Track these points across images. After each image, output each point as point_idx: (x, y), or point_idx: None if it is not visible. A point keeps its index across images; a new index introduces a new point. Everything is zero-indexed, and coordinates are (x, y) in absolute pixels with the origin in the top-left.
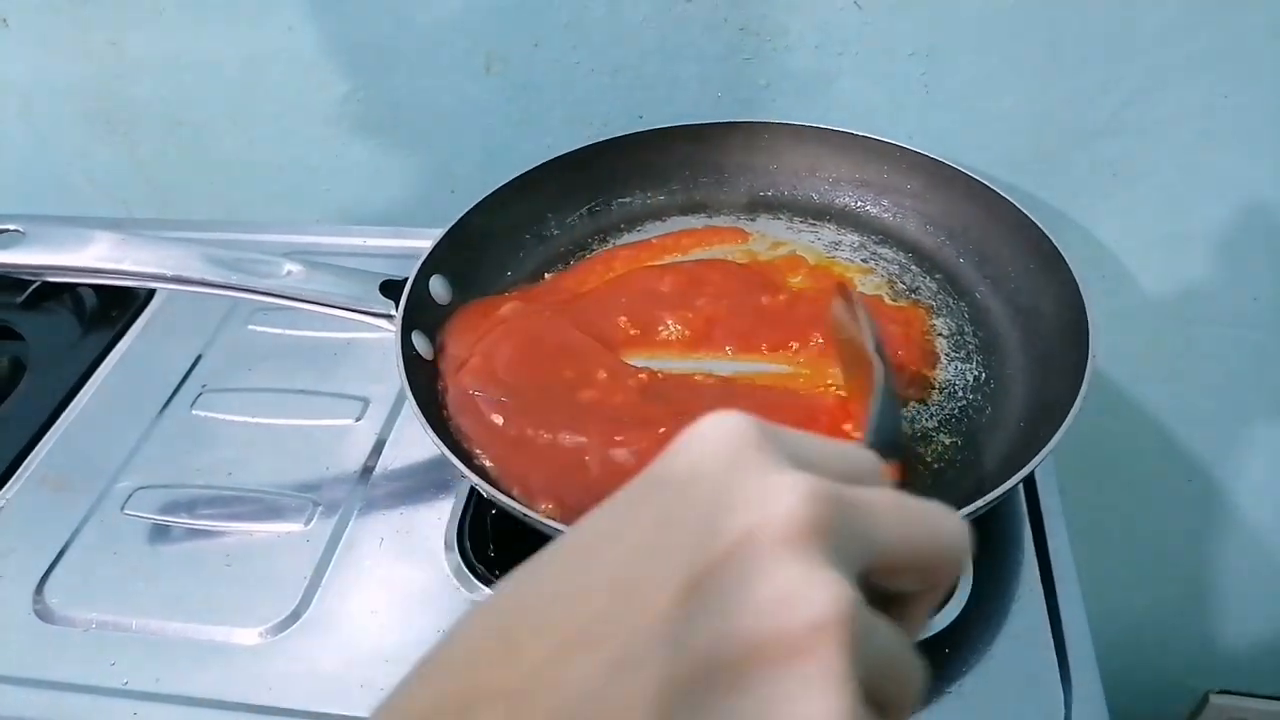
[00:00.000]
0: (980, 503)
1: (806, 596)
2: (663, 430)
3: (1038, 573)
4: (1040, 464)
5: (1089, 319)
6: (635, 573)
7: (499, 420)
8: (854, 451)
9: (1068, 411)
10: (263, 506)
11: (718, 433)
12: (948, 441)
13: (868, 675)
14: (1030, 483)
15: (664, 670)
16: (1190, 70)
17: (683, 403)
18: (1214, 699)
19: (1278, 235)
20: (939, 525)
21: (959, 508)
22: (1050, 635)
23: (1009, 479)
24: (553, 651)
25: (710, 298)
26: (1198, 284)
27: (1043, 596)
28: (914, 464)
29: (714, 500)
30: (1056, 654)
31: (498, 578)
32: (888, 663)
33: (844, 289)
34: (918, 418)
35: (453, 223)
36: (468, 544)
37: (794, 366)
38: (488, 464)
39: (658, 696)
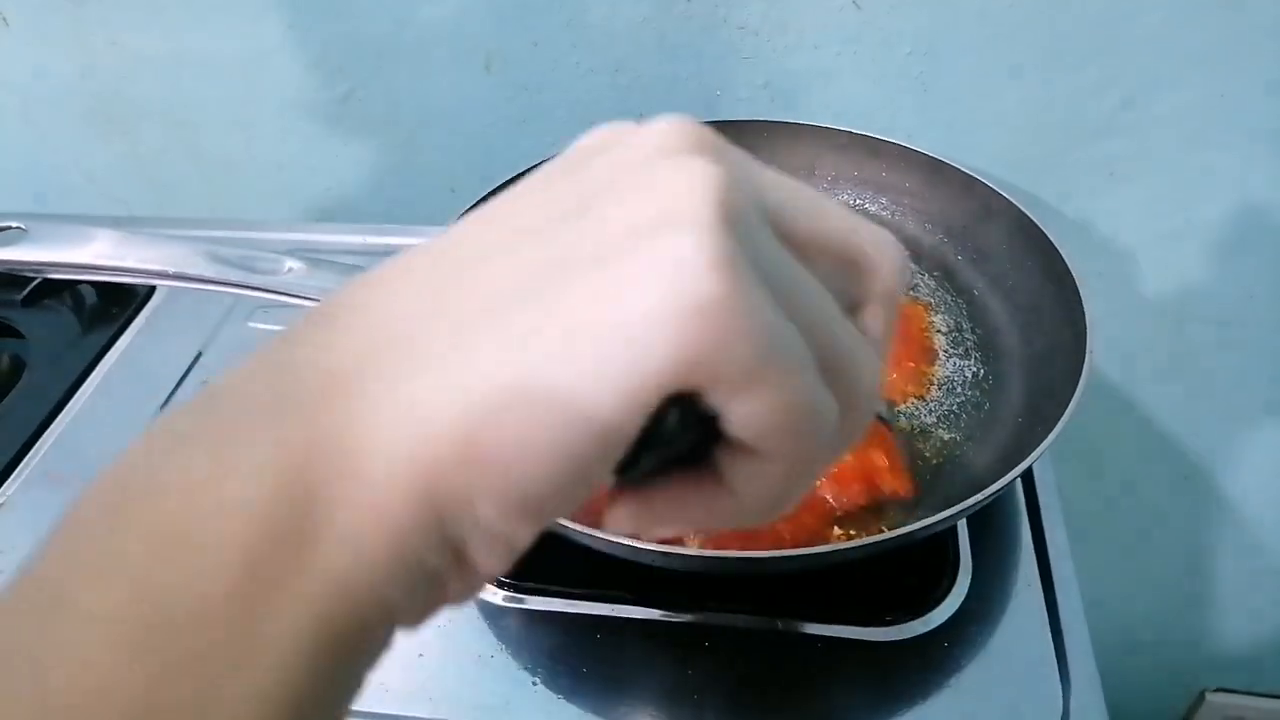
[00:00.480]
0: (979, 497)
1: (688, 172)
2: None
3: (1036, 568)
4: (1038, 459)
5: (1086, 316)
6: (499, 214)
7: None
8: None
9: (1065, 407)
10: None
11: (600, 130)
12: (946, 437)
13: (774, 290)
14: (1028, 478)
15: (501, 260)
16: (1187, 70)
17: None
18: (1210, 696)
19: (1274, 234)
20: (851, 220)
21: (958, 503)
22: (1048, 630)
23: (1007, 474)
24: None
25: None
26: (1194, 282)
27: (1041, 591)
28: (913, 459)
29: (618, 145)
30: (1054, 649)
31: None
32: (792, 289)
33: None
34: (916, 413)
35: (452, 220)
36: None
37: None
38: None
39: (504, 273)
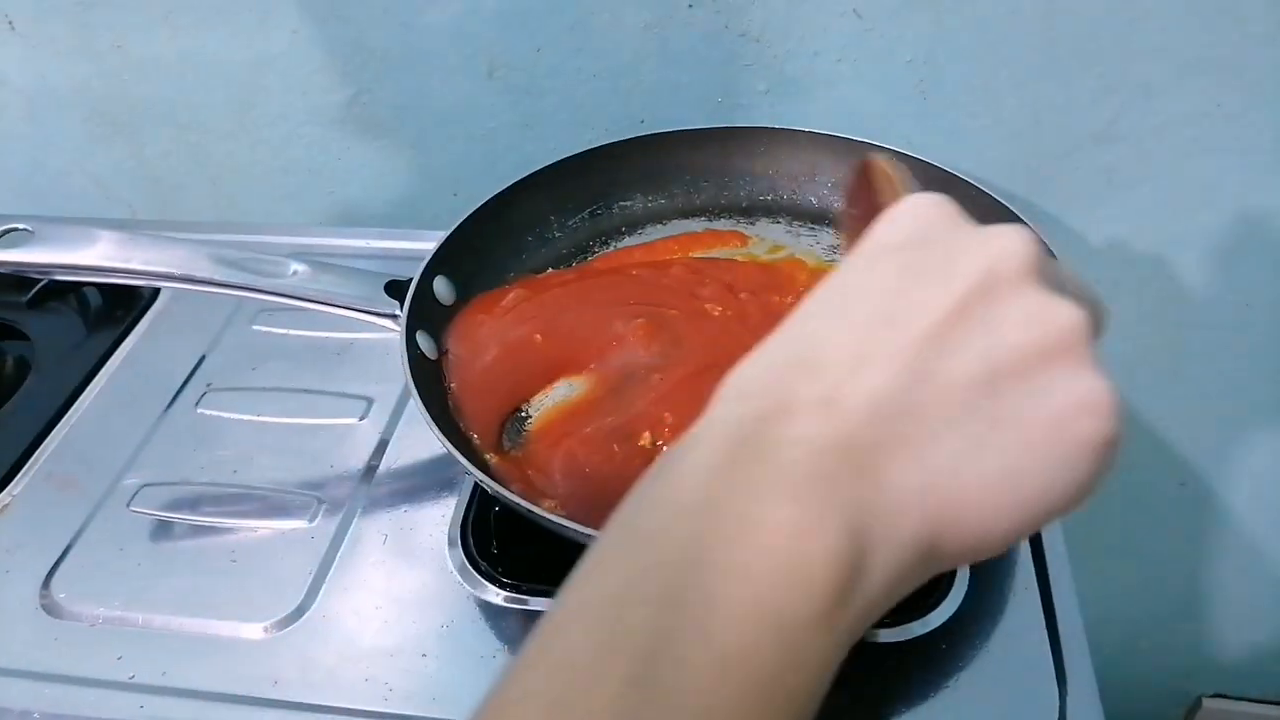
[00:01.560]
0: None
1: (1057, 310)
2: (670, 419)
3: (1033, 572)
4: None
5: None
6: (897, 308)
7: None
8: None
9: None
10: (267, 504)
11: (929, 206)
12: None
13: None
14: None
15: (956, 369)
16: (1184, 78)
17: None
18: (1207, 703)
19: (1270, 241)
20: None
21: None
22: (1046, 634)
23: None
24: (846, 369)
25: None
26: (1191, 289)
27: (1038, 595)
28: None
29: (947, 251)
30: (1052, 652)
31: (501, 575)
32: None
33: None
34: None
35: (456, 224)
36: (471, 541)
37: None
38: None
39: (957, 386)
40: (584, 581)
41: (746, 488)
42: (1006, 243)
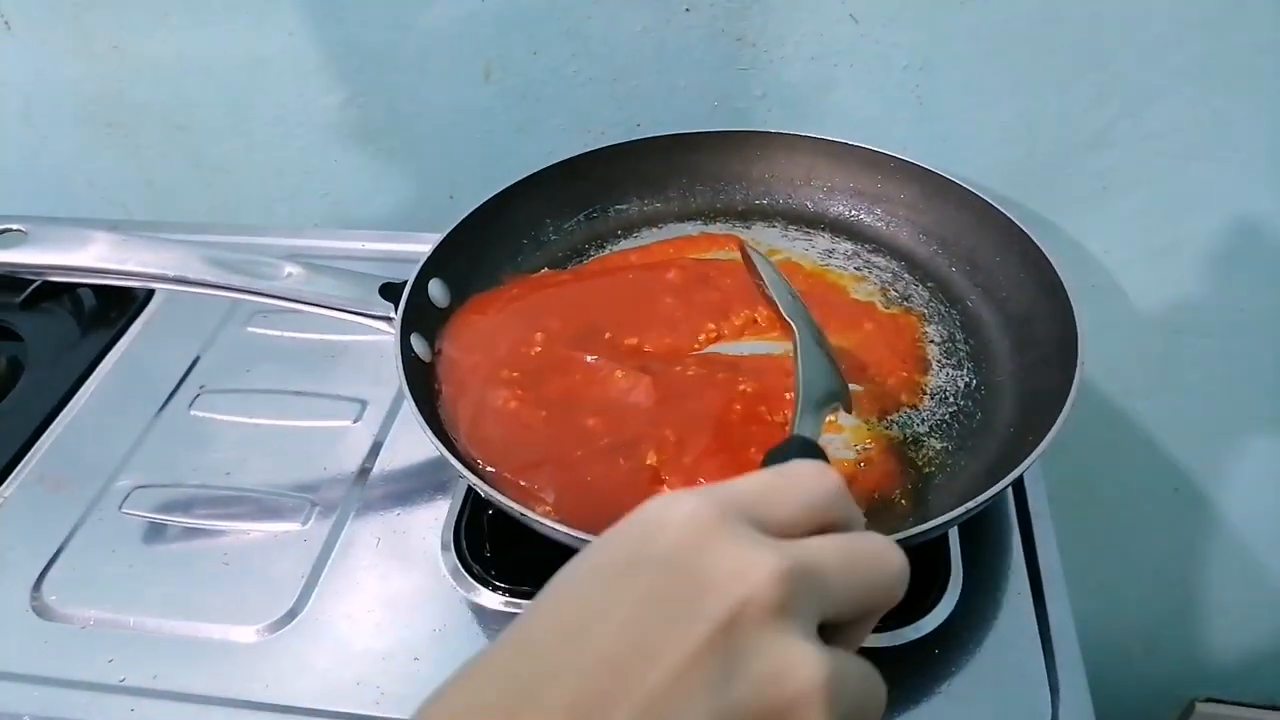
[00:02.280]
0: (969, 506)
1: (794, 669)
2: (669, 435)
3: (1026, 577)
4: (1029, 469)
5: (1078, 327)
6: (628, 652)
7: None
8: (797, 487)
9: (1056, 418)
10: (260, 506)
11: (680, 515)
12: (938, 446)
13: (847, 711)
14: (1019, 488)
15: None
16: (1179, 85)
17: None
18: (1200, 707)
19: (1265, 247)
20: (881, 566)
21: (949, 511)
22: (1038, 638)
23: (998, 483)
24: None
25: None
26: (1186, 295)
27: (1031, 600)
28: (905, 468)
29: (695, 582)
30: (1044, 657)
31: (493, 578)
32: (859, 697)
33: (743, 251)
34: (909, 422)
35: (451, 227)
36: (464, 544)
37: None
38: (485, 465)
39: None
40: None
41: None
42: (758, 578)
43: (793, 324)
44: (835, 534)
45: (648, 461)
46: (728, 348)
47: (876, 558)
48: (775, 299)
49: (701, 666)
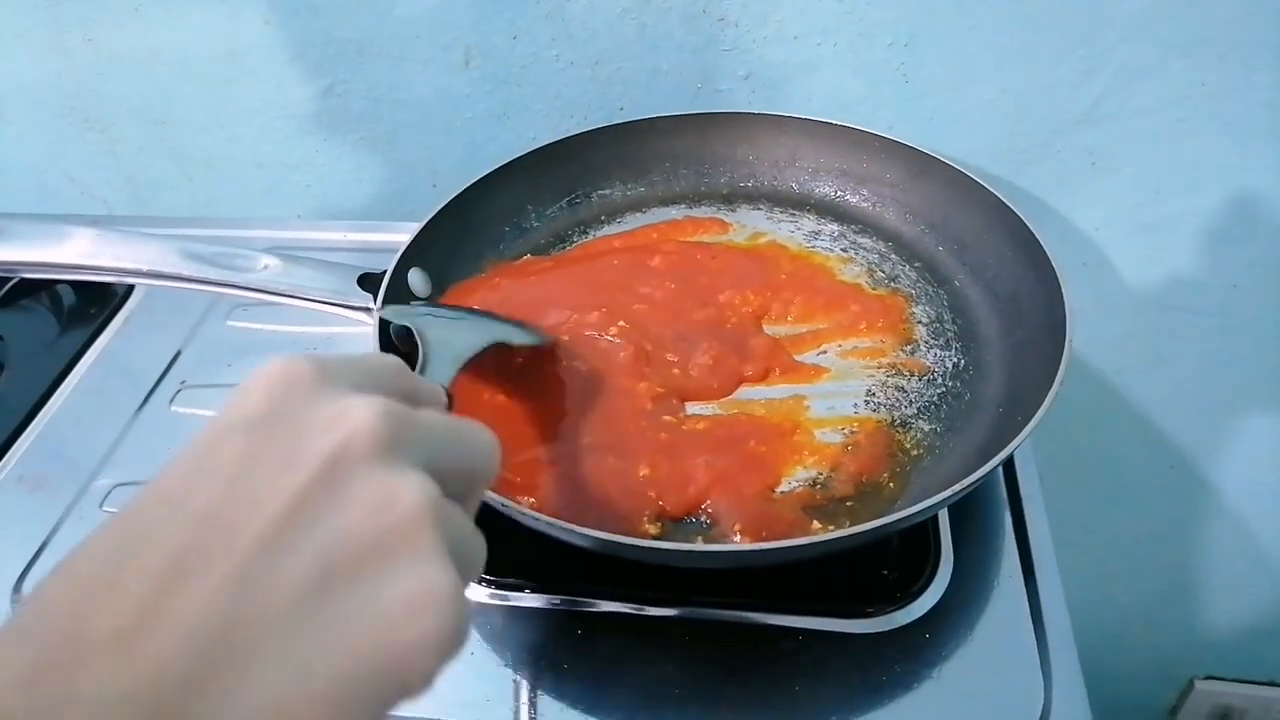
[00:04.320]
0: (958, 487)
1: (401, 493)
2: (664, 437)
3: (1018, 559)
4: (1019, 449)
5: (1066, 305)
6: (230, 507)
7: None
8: (389, 364)
9: (1045, 396)
10: None
11: (281, 372)
12: (927, 428)
13: (451, 547)
14: (1010, 469)
15: (290, 571)
16: (1166, 59)
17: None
18: (1199, 684)
19: (1256, 223)
20: (472, 432)
21: (938, 493)
22: (1030, 620)
23: (987, 463)
24: (159, 583)
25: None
26: (1178, 272)
27: (1023, 582)
28: (893, 450)
29: (294, 430)
30: (1036, 639)
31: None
32: (461, 536)
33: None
34: (897, 404)
35: (431, 215)
36: None
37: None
38: None
39: (288, 593)
40: None
41: None
42: (358, 417)
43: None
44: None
45: (641, 473)
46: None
47: (467, 425)
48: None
49: (305, 505)
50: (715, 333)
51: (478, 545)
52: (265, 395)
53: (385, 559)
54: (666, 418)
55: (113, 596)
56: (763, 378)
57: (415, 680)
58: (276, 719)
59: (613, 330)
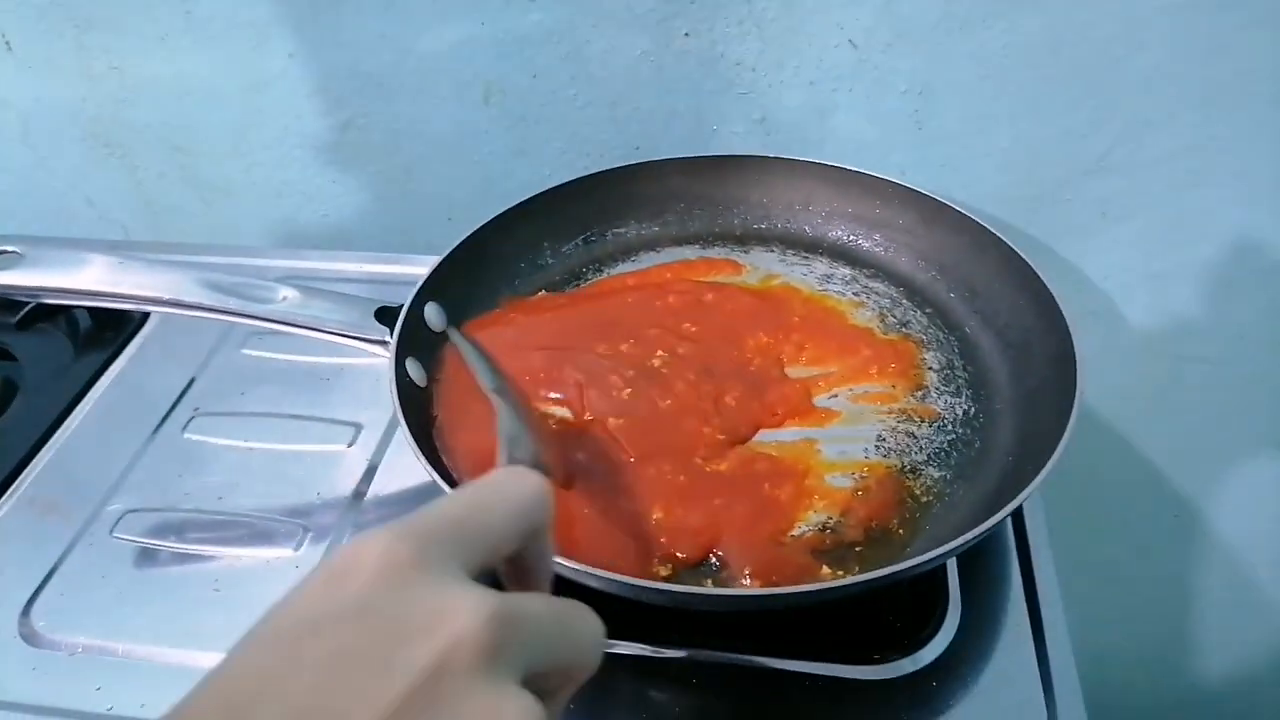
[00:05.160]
0: (968, 536)
1: (503, 714)
2: (682, 480)
3: (1025, 609)
4: (1028, 498)
5: (1077, 354)
6: (329, 704)
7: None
8: (500, 494)
9: (1055, 446)
10: (252, 531)
11: (372, 558)
12: (937, 474)
13: None
14: (1018, 517)
15: None
16: (1177, 112)
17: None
18: None
19: (1265, 272)
20: (584, 622)
21: (947, 541)
22: (1037, 670)
23: (996, 514)
24: None
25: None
26: (1186, 320)
27: (1030, 632)
28: (903, 497)
29: (390, 632)
30: (1043, 689)
31: None
32: None
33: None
34: (907, 450)
35: (449, 250)
36: None
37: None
38: None
39: None
40: None
41: None
42: (463, 622)
43: (496, 401)
44: (538, 593)
45: (654, 516)
46: None
47: (580, 614)
48: (480, 371)
49: (408, 716)
50: (739, 374)
51: None
52: (362, 578)
53: None
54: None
55: None
56: (783, 421)
57: None
58: None
59: (630, 372)
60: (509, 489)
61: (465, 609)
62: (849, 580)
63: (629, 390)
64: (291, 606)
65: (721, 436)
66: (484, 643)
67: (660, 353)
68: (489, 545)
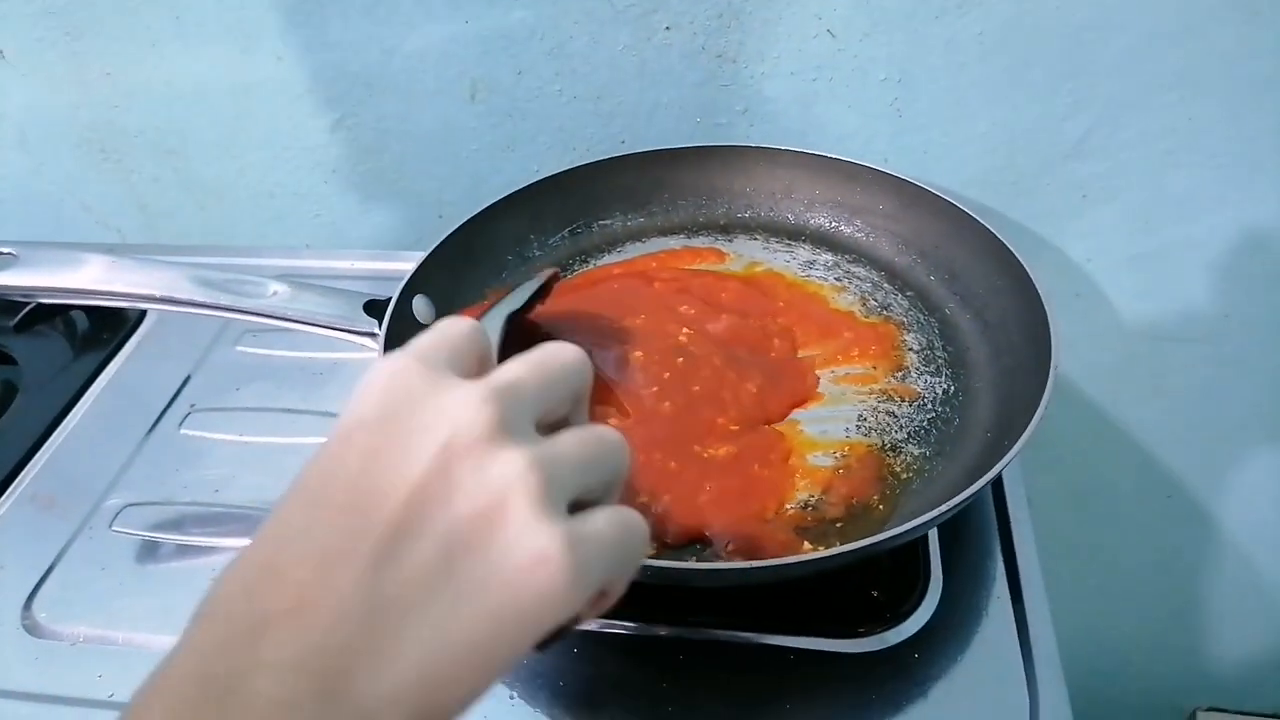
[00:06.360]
0: (946, 507)
1: (495, 473)
2: (672, 465)
3: (1006, 582)
4: (1007, 471)
5: (1052, 332)
6: (362, 496)
7: None
8: (467, 337)
9: (1031, 419)
10: (250, 523)
11: (389, 375)
12: (917, 452)
13: (575, 483)
14: (999, 492)
15: (420, 554)
16: (1154, 94)
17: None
18: (1201, 716)
19: (1247, 252)
20: (564, 362)
21: (927, 513)
22: (1018, 643)
23: (974, 484)
24: (314, 571)
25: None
26: (1170, 302)
27: (1010, 604)
28: (884, 474)
29: (407, 428)
30: (1023, 659)
31: None
32: (583, 473)
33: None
34: (887, 429)
35: (436, 243)
36: None
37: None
38: None
39: (421, 572)
40: None
41: None
42: (463, 412)
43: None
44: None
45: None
46: None
47: (554, 354)
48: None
49: (424, 494)
50: (759, 362)
51: (631, 535)
52: (379, 397)
53: (495, 532)
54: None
55: (278, 582)
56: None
57: (547, 624)
58: (424, 676)
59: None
60: (557, 354)
61: (461, 401)
62: (831, 552)
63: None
64: (330, 432)
65: (735, 427)
66: (479, 424)
67: (686, 330)
68: (549, 401)
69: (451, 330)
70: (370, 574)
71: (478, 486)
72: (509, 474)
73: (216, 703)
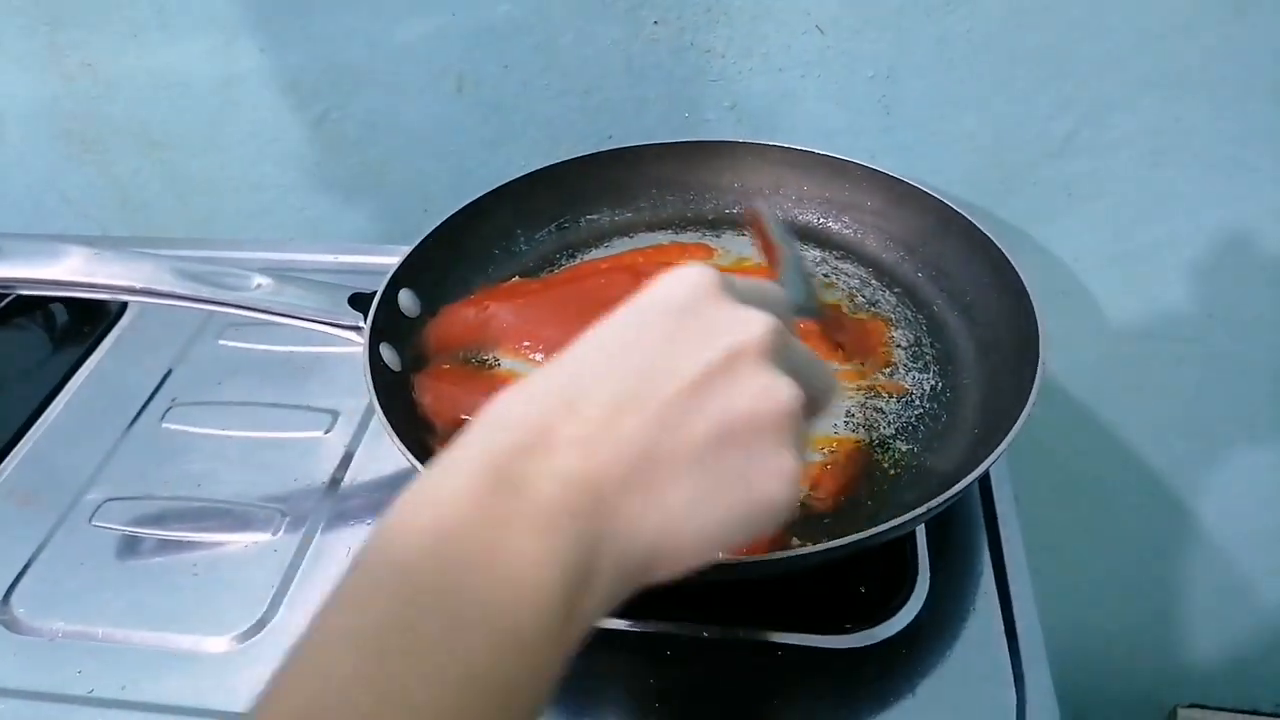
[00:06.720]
0: (933, 503)
1: (779, 392)
2: None
3: (993, 578)
4: (994, 468)
5: (1039, 328)
6: (657, 368)
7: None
8: (777, 294)
9: (1019, 416)
10: (231, 518)
11: (697, 277)
12: (905, 448)
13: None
14: (986, 488)
15: (697, 427)
16: (1141, 93)
17: None
18: (1182, 712)
19: (1231, 252)
20: (828, 371)
21: (915, 509)
22: (1004, 637)
23: (961, 480)
24: (606, 412)
25: None
26: (1155, 301)
27: (998, 600)
28: (871, 471)
29: (706, 324)
30: (1010, 655)
31: None
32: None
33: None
34: (875, 425)
35: (422, 237)
36: None
37: None
38: None
39: (694, 442)
40: (343, 608)
41: (498, 519)
42: (754, 326)
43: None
44: None
45: None
46: None
47: (821, 360)
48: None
49: (711, 381)
50: None
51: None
52: (685, 291)
53: (762, 436)
54: None
55: (572, 416)
56: None
57: (762, 528)
58: (666, 534)
59: None
60: (776, 290)
61: (758, 318)
62: (818, 547)
63: None
64: (631, 307)
65: None
66: (768, 341)
67: None
68: (805, 365)
69: (764, 285)
70: (654, 428)
71: (755, 392)
72: (781, 395)
73: (511, 490)
